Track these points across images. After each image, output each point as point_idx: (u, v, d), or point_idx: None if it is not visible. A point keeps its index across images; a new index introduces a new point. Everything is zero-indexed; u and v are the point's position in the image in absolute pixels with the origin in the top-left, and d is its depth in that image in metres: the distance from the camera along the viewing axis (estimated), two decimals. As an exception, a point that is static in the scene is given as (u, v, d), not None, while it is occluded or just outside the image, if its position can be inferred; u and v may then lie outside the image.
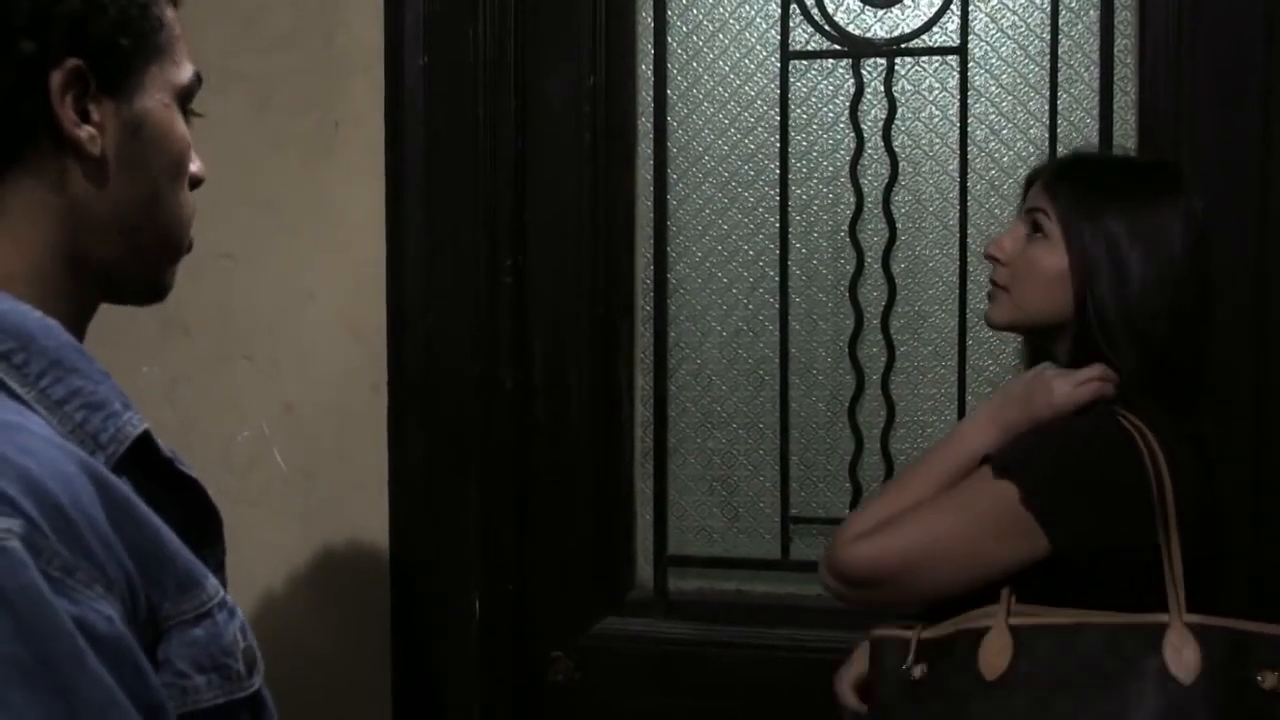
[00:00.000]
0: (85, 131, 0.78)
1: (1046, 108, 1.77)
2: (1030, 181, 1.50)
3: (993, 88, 1.80)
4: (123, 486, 0.73)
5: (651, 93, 1.87)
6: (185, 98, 0.87)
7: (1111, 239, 1.38)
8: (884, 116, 1.81)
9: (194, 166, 0.89)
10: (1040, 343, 1.50)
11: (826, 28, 1.82)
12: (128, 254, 0.84)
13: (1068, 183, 1.44)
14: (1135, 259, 1.37)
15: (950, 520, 1.35)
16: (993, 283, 1.49)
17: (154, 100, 0.83)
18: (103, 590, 0.67)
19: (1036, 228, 1.44)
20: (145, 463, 0.79)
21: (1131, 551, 1.32)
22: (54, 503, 0.67)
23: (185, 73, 0.86)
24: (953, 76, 1.80)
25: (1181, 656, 1.26)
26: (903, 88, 1.82)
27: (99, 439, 0.75)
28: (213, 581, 0.78)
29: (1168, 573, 1.30)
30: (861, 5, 1.82)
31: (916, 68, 1.82)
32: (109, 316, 0.88)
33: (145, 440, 0.78)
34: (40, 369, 0.74)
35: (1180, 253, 1.38)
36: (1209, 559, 1.37)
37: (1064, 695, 1.28)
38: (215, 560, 0.83)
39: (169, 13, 0.85)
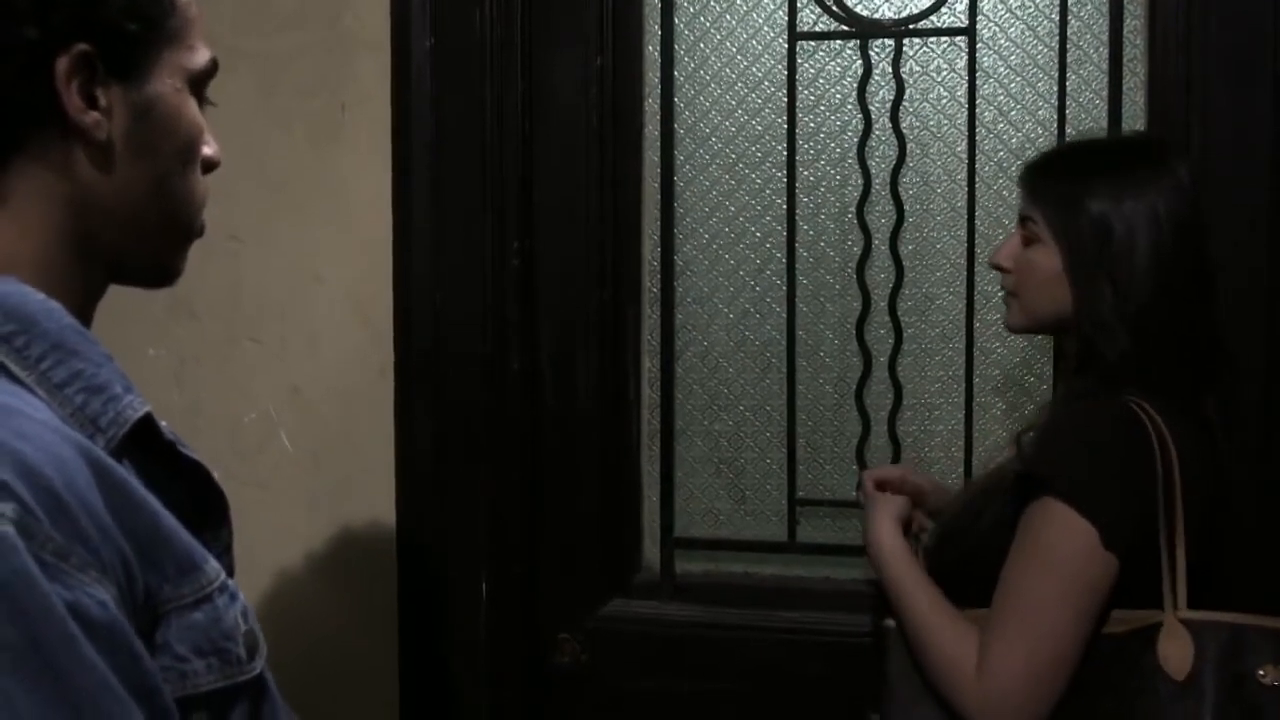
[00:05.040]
0: (91, 117, 0.78)
1: (1055, 89, 1.76)
2: (1021, 184, 1.50)
3: (1001, 69, 1.79)
4: (121, 470, 0.73)
5: (658, 74, 1.86)
6: (199, 83, 0.86)
7: (1098, 227, 1.38)
8: (892, 98, 1.81)
9: (208, 150, 0.88)
10: (1058, 341, 1.51)
11: (834, 8, 1.81)
12: (136, 238, 0.84)
13: (1047, 181, 1.45)
14: (1126, 246, 1.36)
15: (1037, 584, 1.30)
16: (1005, 289, 1.51)
17: (165, 85, 0.83)
18: (97, 575, 0.67)
19: (1029, 234, 1.45)
20: (147, 446, 0.78)
21: (1145, 544, 1.31)
22: (48, 487, 0.66)
23: (199, 58, 0.86)
24: (961, 58, 1.79)
25: (1174, 653, 1.27)
26: (911, 69, 1.81)
27: (98, 422, 0.75)
28: (213, 565, 0.78)
29: (1165, 566, 1.30)
30: (869, -14, 1.82)
31: (924, 49, 1.81)
32: (116, 298, 0.88)
33: (147, 424, 0.78)
34: (41, 352, 0.74)
35: (1173, 231, 1.37)
36: (1217, 550, 1.36)
37: (1077, 696, 1.29)
38: (221, 544, 0.83)
39: None
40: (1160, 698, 1.27)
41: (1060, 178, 1.44)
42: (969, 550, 1.42)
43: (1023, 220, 1.47)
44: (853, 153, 1.83)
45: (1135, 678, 1.28)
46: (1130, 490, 1.31)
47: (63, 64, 0.76)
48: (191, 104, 0.85)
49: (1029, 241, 1.45)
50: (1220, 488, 1.39)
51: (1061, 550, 1.29)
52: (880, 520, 1.52)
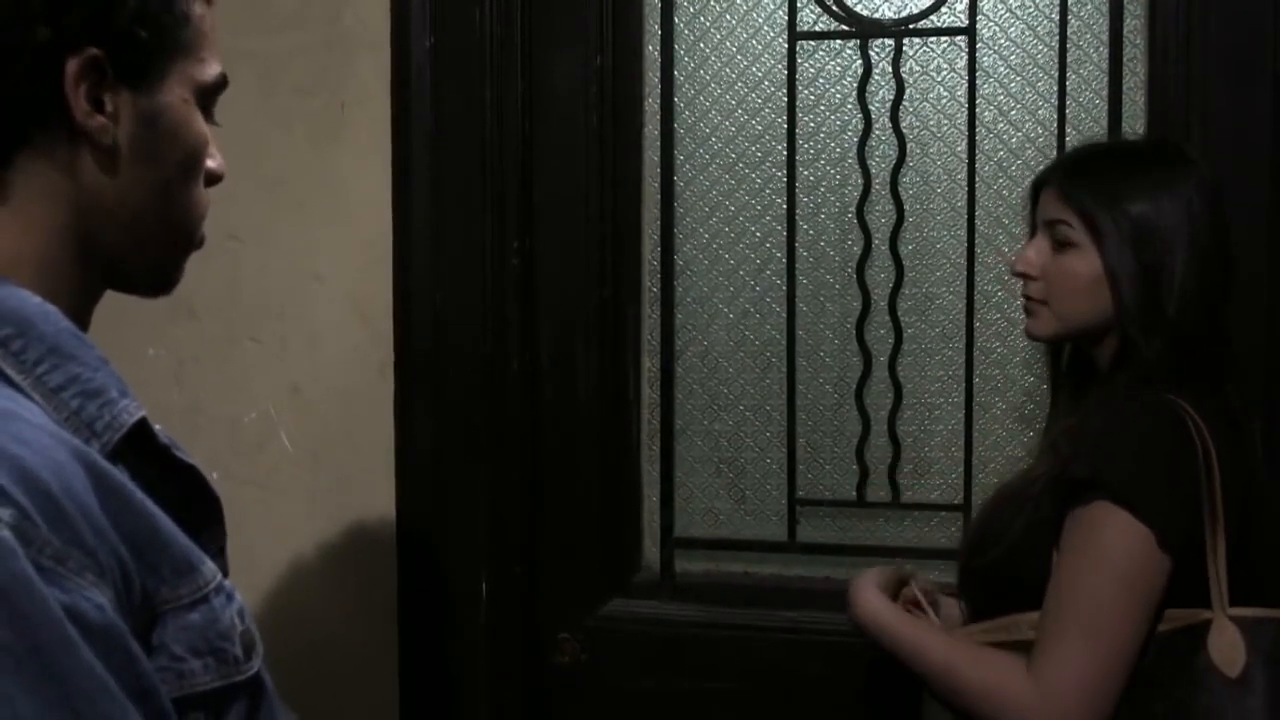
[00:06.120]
0: (97, 121, 0.78)
1: (1055, 89, 1.76)
2: (1037, 188, 1.49)
3: (1001, 69, 1.79)
4: (117, 474, 0.73)
5: (658, 74, 1.86)
6: (207, 96, 0.87)
7: (1141, 231, 1.37)
8: (892, 97, 1.81)
9: (212, 163, 0.89)
10: (1084, 347, 1.49)
11: (834, 8, 1.81)
12: (135, 244, 0.84)
13: (1082, 183, 1.42)
14: (1167, 245, 1.36)
15: (1094, 589, 1.29)
16: (1026, 297, 1.48)
17: (173, 95, 0.83)
18: (94, 578, 0.68)
19: (1062, 239, 1.42)
20: (142, 450, 0.79)
21: (1191, 542, 1.31)
22: (45, 491, 0.67)
23: (209, 71, 0.87)
24: (961, 57, 1.79)
25: (1226, 651, 1.27)
26: (911, 68, 1.81)
27: (94, 426, 0.75)
28: (209, 566, 0.78)
29: (1210, 564, 1.29)
30: (870, -15, 1.82)
31: (924, 48, 1.81)
32: (116, 299, 0.88)
33: (142, 427, 0.79)
34: (38, 356, 0.75)
35: (1207, 228, 1.37)
36: (1249, 545, 1.35)
37: (1127, 697, 1.29)
38: (215, 546, 0.84)
39: (197, 9, 0.85)
40: (1215, 696, 1.26)
41: (1096, 180, 1.42)
42: (1004, 555, 1.40)
43: (1051, 225, 1.43)
44: (853, 153, 1.83)
45: (1186, 676, 1.28)
46: (1180, 489, 1.30)
47: (72, 66, 0.76)
48: (197, 116, 0.86)
49: (1059, 247, 1.43)
50: (1251, 486, 1.38)
51: (1118, 553, 1.28)
52: (861, 590, 1.48)
